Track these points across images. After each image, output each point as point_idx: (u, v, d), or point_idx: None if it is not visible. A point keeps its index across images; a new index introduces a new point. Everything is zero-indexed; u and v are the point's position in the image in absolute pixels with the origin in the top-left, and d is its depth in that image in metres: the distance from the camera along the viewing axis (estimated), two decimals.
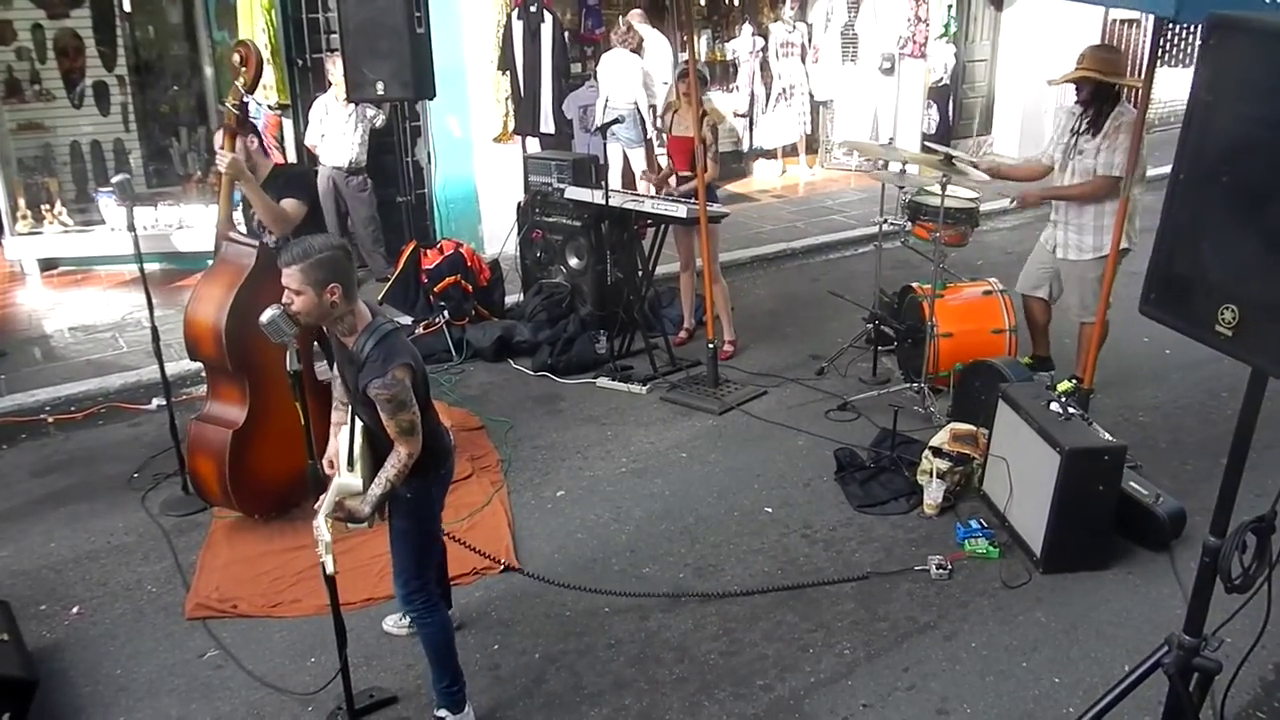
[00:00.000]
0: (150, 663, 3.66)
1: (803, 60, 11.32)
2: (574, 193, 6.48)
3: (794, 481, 4.90)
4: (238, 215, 5.03)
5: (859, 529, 4.50)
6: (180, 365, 5.74)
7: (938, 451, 4.69)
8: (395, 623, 3.77)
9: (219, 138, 4.47)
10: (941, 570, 4.12)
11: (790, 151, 11.80)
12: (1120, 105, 5.09)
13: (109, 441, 5.56)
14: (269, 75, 7.57)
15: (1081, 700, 3.32)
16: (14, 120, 8.70)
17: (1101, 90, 5.06)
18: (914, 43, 11.14)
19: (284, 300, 2.85)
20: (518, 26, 8.01)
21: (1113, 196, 5.04)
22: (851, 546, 4.36)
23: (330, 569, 2.90)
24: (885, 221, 5.97)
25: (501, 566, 4.15)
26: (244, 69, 4.40)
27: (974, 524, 4.39)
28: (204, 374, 4.76)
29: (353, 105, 7.40)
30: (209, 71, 9.35)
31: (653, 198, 6.18)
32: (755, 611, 3.92)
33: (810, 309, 7.46)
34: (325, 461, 3.21)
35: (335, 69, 7.29)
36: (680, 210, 5.84)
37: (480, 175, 8.54)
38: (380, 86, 6.22)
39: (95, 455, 5.38)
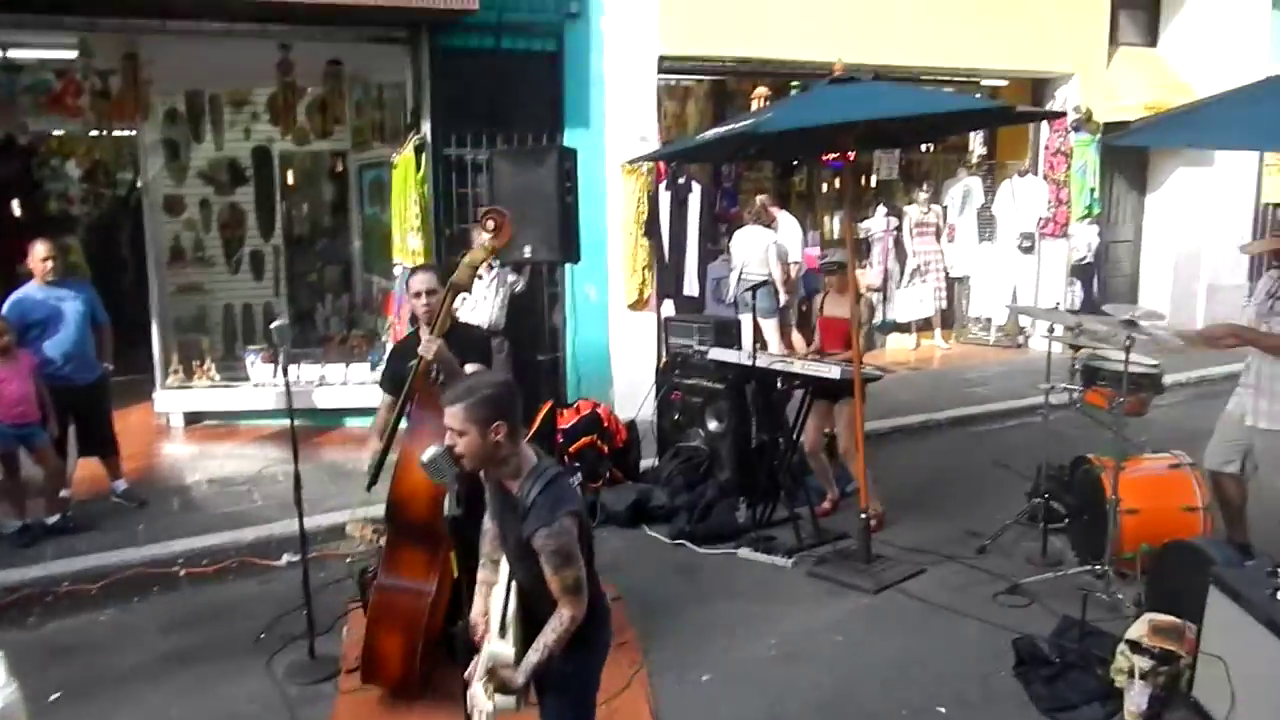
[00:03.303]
0: None
1: (937, 239, 11.23)
2: (718, 353, 6.32)
3: (967, 676, 4.36)
4: None
5: None
6: (310, 520, 5.59)
7: (1136, 646, 4.12)
8: None
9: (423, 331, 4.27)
10: None
11: (923, 326, 11.55)
12: None
13: (238, 597, 5.43)
14: (417, 243, 7.80)
15: None
16: (175, 283, 9.19)
17: None
18: (1054, 223, 10.94)
19: (447, 440, 2.67)
20: (665, 196, 8.19)
21: None
22: None
23: None
24: (1051, 388, 5.60)
25: None
26: (495, 236, 4.37)
27: None
28: (383, 539, 4.41)
29: (495, 270, 7.53)
30: (356, 244, 9.79)
31: (802, 359, 5.95)
32: None
33: (961, 482, 6.99)
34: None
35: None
36: (833, 371, 5.58)
37: (614, 339, 8.52)
38: (528, 250, 6.30)
39: (223, 611, 5.24)
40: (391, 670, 4.17)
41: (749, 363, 5.90)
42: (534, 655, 2.61)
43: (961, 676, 4.35)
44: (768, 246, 8.86)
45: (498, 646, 2.67)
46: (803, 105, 5.06)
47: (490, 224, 4.38)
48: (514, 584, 2.77)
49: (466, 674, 2.64)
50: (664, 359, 7.15)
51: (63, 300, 6.24)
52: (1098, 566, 5.01)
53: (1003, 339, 11.46)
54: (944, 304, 11.33)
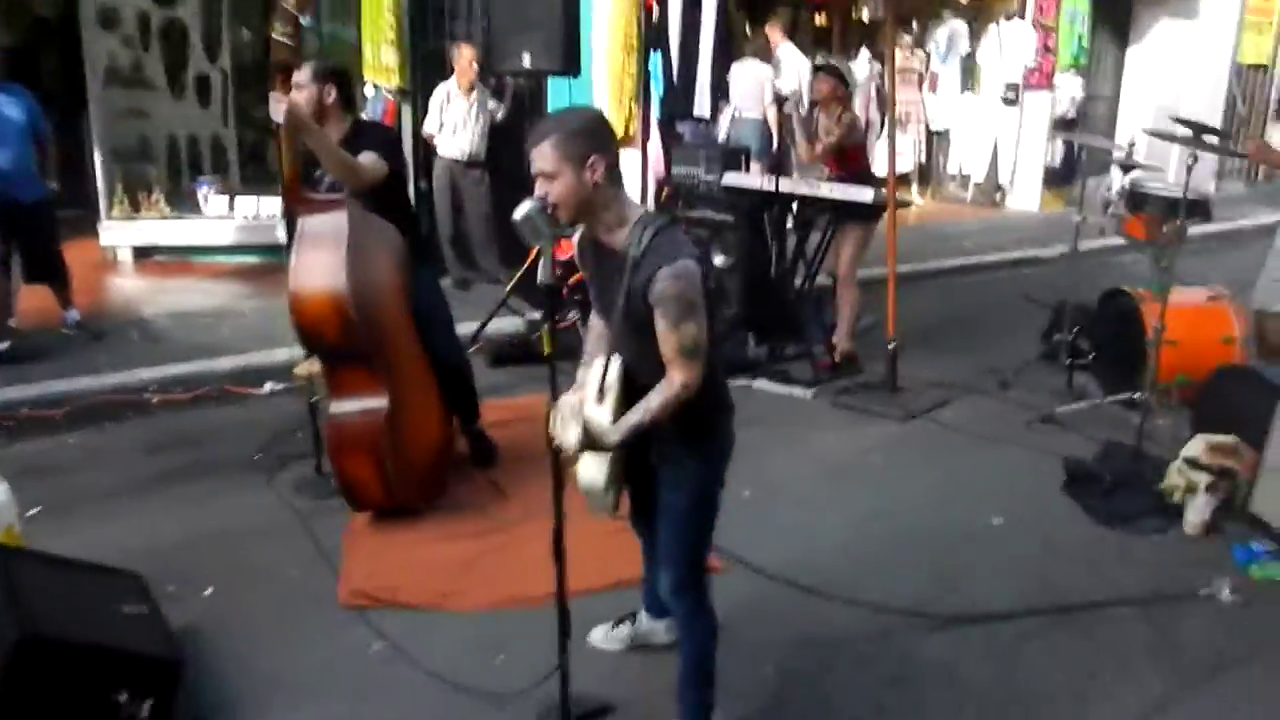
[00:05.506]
0: (308, 656, 3.04)
1: (919, 87, 10.83)
2: (733, 178, 5.91)
3: (1016, 493, 4.21)
4: None
5: (1113, 547, 3.81)
6: (288, 353, 5.12)
7: (1194, 464, 4.00)
8: (606, 635, 3.09)
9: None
10: (1235, 596, 3.42)
11: (900, 181, 11.24)
12: None
13: (223, 423, 4.99)
14: (392, 58, 7.17)
15: None
16: (114, 107, 8.35)
17: None
18: (1040, 74, 10.60)
19: (538, 190, 2.26)
20: (676, 6, 7.57)
21: None
22: (1111, 566, 3.67)
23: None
24: (1084, 219, 5.38)
25: None
26: None
27: (1255, 547, 3.70)
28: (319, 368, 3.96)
29: (474, 95, 6.98)
30: None
31: (828, 183, 5.59)
32: (1024, 631, 3.24)
33: (966, 325, 6.82)
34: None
35: (460, 56, 6.89)
36: (865, 194, 5.23)
37: None
38: (527, 58, 5.73)
39: (210, 435, 4.81)
40: (372, 495, 3.82)
41: (770, 188, 5.52)
42: (634, 415, 2.28)
43: (1010, 494, 4.20)
44: (764, 84, 8.41)
45: (592, 410, 2.33)
46: None
47: None
48: (617, 359, 2.41)
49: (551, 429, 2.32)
50: (664, 190, 6.68)
51: None
52: (1136, 396, 4.85)
53: (979, 197, 11.25)
54: (923, 158, 11.03)
